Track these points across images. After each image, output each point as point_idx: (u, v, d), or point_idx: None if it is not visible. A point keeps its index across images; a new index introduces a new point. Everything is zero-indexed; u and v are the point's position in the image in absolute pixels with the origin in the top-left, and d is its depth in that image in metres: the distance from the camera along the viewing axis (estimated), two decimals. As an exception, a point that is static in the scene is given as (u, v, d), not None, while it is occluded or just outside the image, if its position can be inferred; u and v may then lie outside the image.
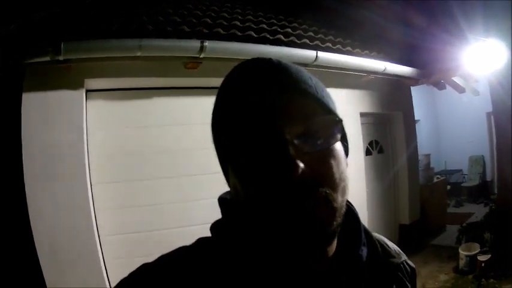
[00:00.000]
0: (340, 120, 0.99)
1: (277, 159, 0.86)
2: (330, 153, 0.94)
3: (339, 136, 0.98)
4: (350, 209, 1.09)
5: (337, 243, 1.05)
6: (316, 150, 0.92)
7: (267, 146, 0.88)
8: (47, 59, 5.00)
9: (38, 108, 5.30)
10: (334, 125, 0.97)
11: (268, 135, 0.88)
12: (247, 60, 1.04)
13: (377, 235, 1.28)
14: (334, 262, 1.04)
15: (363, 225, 1.15)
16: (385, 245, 1.25)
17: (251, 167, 0.90)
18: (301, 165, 0.85)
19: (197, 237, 1.10)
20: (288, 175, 0.85)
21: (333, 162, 0.94)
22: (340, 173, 0.95)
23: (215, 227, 1.09)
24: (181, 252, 1.04)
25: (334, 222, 0.92)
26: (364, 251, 1.09)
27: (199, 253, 1.02)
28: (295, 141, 0.88)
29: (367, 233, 1.18)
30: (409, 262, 1.31)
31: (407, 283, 1.23)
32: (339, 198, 0.93)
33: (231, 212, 1.08)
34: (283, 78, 0.97)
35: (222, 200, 1.13)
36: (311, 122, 0.92)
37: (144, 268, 1.00)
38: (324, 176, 0.91)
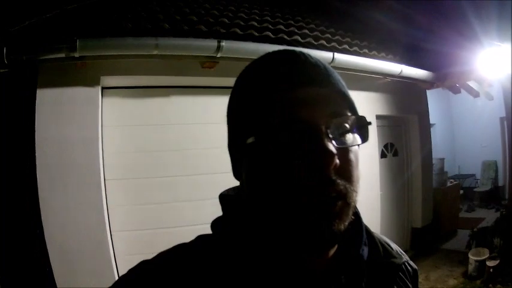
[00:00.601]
0: (369, 123, 1.00)
1: (314, 150, 0.87)
2: (352, 152, 0.96)
3: (364, 137, 0.99)
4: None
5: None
6: (345, 147, 0.93)
7: (302, 136, 0.88)
8: (62, 55, 5.02)
9: (53, 104, 5.31)
10: (363, 126, 0.99)
11: (304, 126, 0.89)
12: (279, 51, 1.05)
13: (379, 235, 1.29)
14: (334, 262, 1.04)
15: (365, 225, 1.16)
16: (386, 245, 1.24)
17: (282, 156, 0.89)
18: (337, 159, 0.86)
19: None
20: (323, 167, 0.86)
21: (354, 160, 0.95)
22: (358, 173, 0.96)
23: (215, 224, 1.10)
24: (180, 250, 1.05)
25: (348, 219, 0.93)
26: (365, 251, 1.09)
27: (199, 250, 1.02)
28: (329, 135, 0.89)
29: (369, 232, 1.18)
30: (411, 263, 1.31)
31: (408, 284, 1.23)
32: (355, 197, 0.94)
33: (233, 209, 1.09)
34: (321, 73, 0.99)
35: (224, 197, 1.14)
36: (343, 118, 0.95)
37: (143, 265, 1.01)
38: (348, 173, 0.93)
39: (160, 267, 0.99)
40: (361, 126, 0.98)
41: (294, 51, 1.04)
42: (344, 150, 0.92)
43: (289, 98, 0.92)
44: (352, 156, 0.95)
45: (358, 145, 0.98)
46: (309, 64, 1.00)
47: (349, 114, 0.98)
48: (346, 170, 0.92)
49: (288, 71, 0.97)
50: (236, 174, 1.09)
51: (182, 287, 0.93)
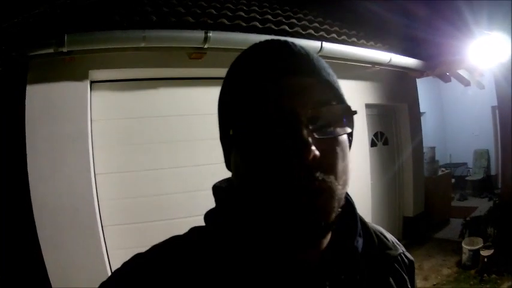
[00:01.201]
0: (355, 112, 0.98)
1: (291, 140, 0.85)
2: (337, 143, 0.94)
3: (350, 127, 0.97)
4: (346, 199, 1.06)
5: (331, 233, 1.03)
6: (327, 137, 0.91)
7: (280, 126, 0.87)
8: (51, 51, 5.03)
9: (42, 100, 5.31)
10: (347, 115, 0.97)
11: (283, 116, 0.87)
12: (266, 41, 1.03)
13: (374, 226, 1.27)
14: (328, 253, 1.03)
15: (359, 216, 1.14)
16: (381, 236, 1.23)
17: (261, 147, 0.88)
18: (314, 149, 0.84)
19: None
20: (299, 157, 0.84)
21: (339, 152, 0.93)
22: (344, 165, 0.95)
23: (208, 215, 1.09)
24: (174, 242, 1.04)
25: (333, 213, 0.91)
26: (360, 242, 1.08)
27: (192, 242, 1.02)
28: (310, 126, 0.87)
29: (364, 223, 1.17)
30: (407, 254, 1.30)
31: (404, 275, 1.22)
32: (341, 189, 0.93)
33: (225, 200, 1.08)
34: (303, 62, 0.97)
35: (217, 189, 1.13)
36: (326, 108, 0.93)
37: (137, 258, 1.01)
38: (330, 165, 0.91)
39: (155, 259, 0.99)
40: (346, 116, 0.97)
41: (277, 40, 1.02)
42: (328, 141, 0.91)
43: (269, 88, 0.91)
44: (337, 147, 0.93)
45: (342, 135, 0.96)
46: (292, 53, 0.98)
47: (334, 103, 0.97)
48: (329, 162, 0.91)
49: (269, 61, 0.95)
50: (227, 165, 1.09)
51: (176, 279, 0.93)
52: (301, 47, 1.01)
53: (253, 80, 0.94)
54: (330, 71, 1.03)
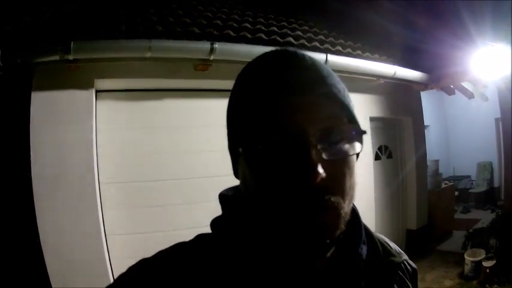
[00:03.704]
0: (364, 132, 0.97)
1: (299, 161, 0.85)
2: (345, 163, 0.93)
3: (359, 147, 0.96)
4: (352, 208, 1.04)
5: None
6: (336, 158, 0.90)
7: (289, 145, 0.86)
8: (56, 58, 5.03)
9: (47, 107, 5.32)
10: (357, 136, 0.96)
11: (292, 135, 0.86)
12: (275, 51, 1.03)
13: (378, 234, 1.27)
14: (333, 260, 1.03)
15: (364, 224, 1.15)
16: (385, 244, 1.24)
17: (269, 165, 0.88)
18: (322, 172, 0.84)
19: None
20: (307, 179, 0.84)
21: (347, 171, 0.93)
22: (352, 182, 0.94)
23: (215, 223, 1.10)
24: (179, 248, 1.05)
25: (338, 230, 0.91)
26: (364, 250, 1.09)
27: (198, 249, 1.02)
28: (318, 146, 0.86)
29: (368, 231, 1.17)
30: (410, 262, 1.30)
31: (408, 282, 1.22)
32: (347, 208, 0.93)
33: (232, 208, 1.09)
34: (314, 77, 0.95)
35: (223, 197, 1.14)
36: (337, 128, 0.92)
37: (143, 263, 1.01)
38: (337, 185, 0.91)
39: (160, 265, 0.99)
40: (355, 136, 0.96)
41: (288, 53, 1.01)
42: (336, 161, 0.91)
43: (279, 106, 0.89)
44: (345, 167, 0.93)
45: (351, 155, 0.95)
46: (304, 68, 0.96)
47: (345, 121, 0.96)
48: (336, 182, 0.90)
49: (281, 77, 0.93)
50: (235, 174, 1.09)
51: (182, 285, 0.94)
52: (312, 60, 1.00)
53: (261, 95, 0.92)
54: (341, 86, 1.01)
